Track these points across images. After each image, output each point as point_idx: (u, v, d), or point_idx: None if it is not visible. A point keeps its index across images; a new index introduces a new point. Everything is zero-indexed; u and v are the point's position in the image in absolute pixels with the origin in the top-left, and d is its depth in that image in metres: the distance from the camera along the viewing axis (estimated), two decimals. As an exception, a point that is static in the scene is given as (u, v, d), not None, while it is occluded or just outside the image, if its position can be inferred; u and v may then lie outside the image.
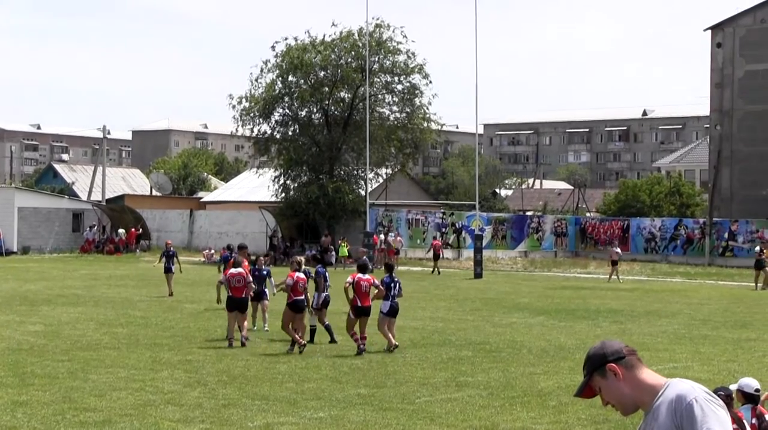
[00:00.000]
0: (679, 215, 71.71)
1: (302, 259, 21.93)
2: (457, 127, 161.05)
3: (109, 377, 16.41)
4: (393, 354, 19.58)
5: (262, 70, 60.45)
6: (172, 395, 14.83)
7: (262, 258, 24.07)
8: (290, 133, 61.13)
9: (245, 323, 20.96)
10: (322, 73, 59.91)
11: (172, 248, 33.53)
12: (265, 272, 22.83)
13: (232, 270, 21.26)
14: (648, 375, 4.41)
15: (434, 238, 56.00)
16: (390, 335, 20.04)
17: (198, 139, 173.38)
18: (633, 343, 21.99)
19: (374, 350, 20.11)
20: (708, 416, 4.19)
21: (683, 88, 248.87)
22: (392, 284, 20.31)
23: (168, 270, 32.64)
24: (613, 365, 4.42)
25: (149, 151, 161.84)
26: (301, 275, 20.33)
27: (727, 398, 9.34)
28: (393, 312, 20.15)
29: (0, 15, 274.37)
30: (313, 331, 21.40)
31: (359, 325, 19.82)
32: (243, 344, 20.32)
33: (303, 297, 20.23)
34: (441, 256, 51.73)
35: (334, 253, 53.97)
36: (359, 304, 19.82)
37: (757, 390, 10.07)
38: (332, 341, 21.07)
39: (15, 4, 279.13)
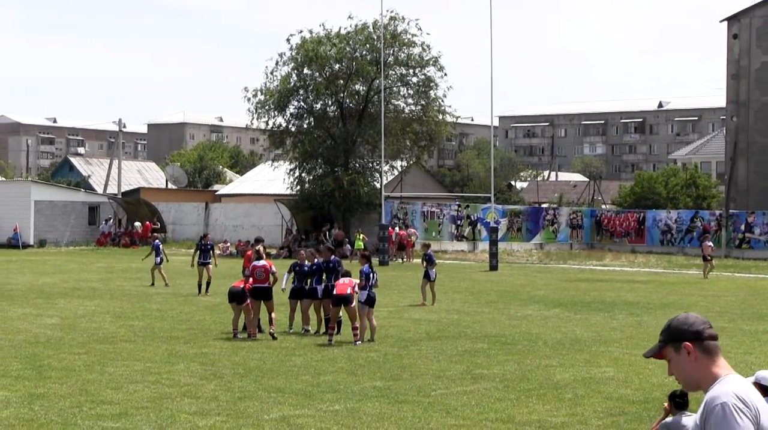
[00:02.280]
0: (696, 207, 71.53)
1: (261, 248, 22.59)
2: (472, 120, 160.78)
3: (125, 369, 16.45)
4: (408, 347, 19.59)
5: (277, 63, 60.57)
6: (189, 388, 14.87)
7: (302, 252, 23.06)
8: (305, 125, 61.14)
9: (273, 315, 21.05)
10: (337, 66, 59.88)
11: (210, 242, 32.52)
12: (306, 268, 22.06)
13: (256, 262, 21.34)
14: (717, 364, 4.40)
15: (400, 228, 55.93)
16: (369, 326, 20.40)
17: (213, 132, 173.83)
18: (649, 335, 21.94)
19: (390, 343, 20.14)
20: (721, 424, 4.16)
21: (699, 80, 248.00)
22: (371, 274, 20.60)
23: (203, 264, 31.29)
24: (690, 344, 4.39)
25: (165, 144, 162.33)
26: (259, 264, 21.08)
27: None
28: (370, 301, 20.49)
29: (17, 11, 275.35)
30: (327, 321, 21.42)
31: (348, 315, 20.18)
32: (273, 337, 20.56)
33: (265, 285, 20.90)
34: (406, 246, 53.50)
35: (349, 246, 54.07)
36: (334, 292, 20.29)
37: (774, 382, 10.00)
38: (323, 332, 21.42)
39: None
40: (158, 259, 33.91)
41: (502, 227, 59.94)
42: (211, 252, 31.75)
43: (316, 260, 21.94)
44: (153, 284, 33.73)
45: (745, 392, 4.26)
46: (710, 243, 45.14)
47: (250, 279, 21.28)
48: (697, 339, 4.40)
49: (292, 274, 21.98)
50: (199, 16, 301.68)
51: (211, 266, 31.28)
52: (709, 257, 42.69)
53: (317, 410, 13.39)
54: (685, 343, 4.40)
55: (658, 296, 32.83)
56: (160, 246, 34.88)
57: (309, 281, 21.85)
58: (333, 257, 22.03)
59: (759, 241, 59.97)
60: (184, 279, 35.93)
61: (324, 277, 21.64)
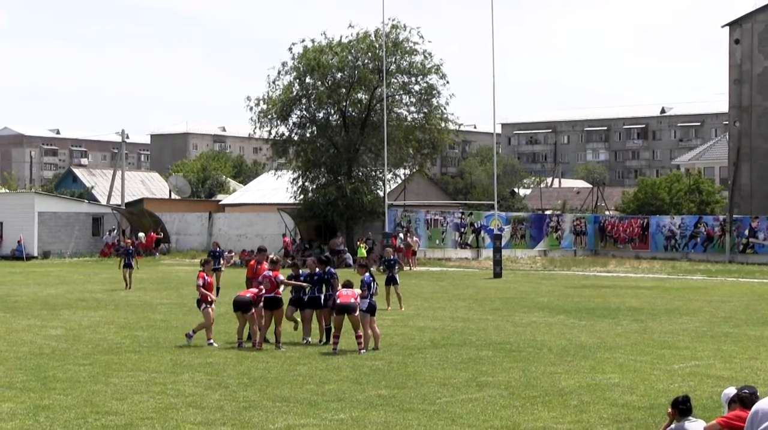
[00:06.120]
0: (699, 213, 71.40)
1: (274, 257, 22.56)
2: (475, 127, 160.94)
3: (130, 380, 16.46)
4: (413, 355, 19.59)
5: (279, 72, 60.61)
6: (194, 398, 14.87)
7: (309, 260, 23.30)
8: (308, 134, 61.17)
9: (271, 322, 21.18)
10: (339, 75, 59.92)
11: (219, 250, 34.46)
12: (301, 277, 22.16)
13: (265, 273, 21.34)
14: None
15: (404, 236, 55.60)
16: (373, 334, 20.44)
17: (216, 142, 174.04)
18: (654, 341, 21.94)
19: (394, 351, 20.14)
20: None
21: (701, 85, 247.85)
22: (371, 283, 20.72)
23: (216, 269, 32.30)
24: None
25: (168, 154, 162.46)
26: (266, 274, 21.06)
27: (752, 396, 9.38)
28: (371, 309, 20.55)
29: (19, 20, 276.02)
30: (328, 331, 21.42)
31: (351, 324, 20.14)
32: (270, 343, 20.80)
33: (271, 294, 20.84)
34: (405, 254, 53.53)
35: (349, 254, 54.05)
36: (337, 301, 20.33)
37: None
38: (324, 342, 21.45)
39: (34, 9, 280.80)
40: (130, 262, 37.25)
41: (505, 234, 59.90)
42: (221, 259, 32.81)
43: (317, 271, 21.93)
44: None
45: None
46: None
47: (262, 288, 21.27)
48: None
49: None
50: (201, 25, 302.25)
51: (221, 272, 32.63)
52: None
53: (322, 419, 13.39)
54: None
55: (662, 301, 32.79)
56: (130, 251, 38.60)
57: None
58: (328, 268, 21.94)
59: (763, 246, 59.88)
60: (188, 289, 35.92)
61: (323, 287, 21.78)
